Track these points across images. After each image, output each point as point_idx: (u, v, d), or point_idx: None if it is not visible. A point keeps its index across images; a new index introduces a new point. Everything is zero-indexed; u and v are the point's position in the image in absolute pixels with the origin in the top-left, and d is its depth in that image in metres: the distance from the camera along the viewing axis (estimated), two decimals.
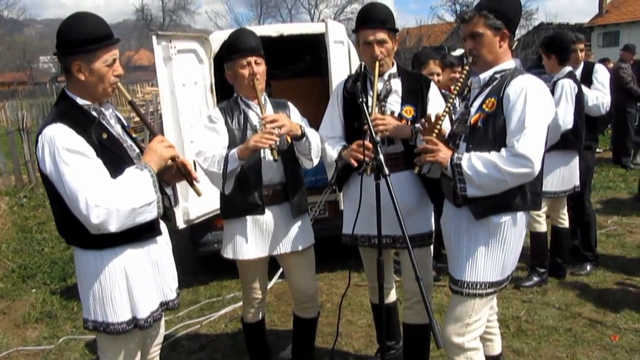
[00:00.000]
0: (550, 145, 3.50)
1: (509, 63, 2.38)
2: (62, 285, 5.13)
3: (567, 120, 4.00)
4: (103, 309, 2.12)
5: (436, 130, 2.40)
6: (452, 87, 2.47)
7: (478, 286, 2.35)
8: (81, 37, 2.02)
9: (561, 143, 4.04)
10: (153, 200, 2.06)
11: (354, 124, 2.85)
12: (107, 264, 2.10)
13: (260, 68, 2.81)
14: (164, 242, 2.32)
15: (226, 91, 3.46)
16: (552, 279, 4.48)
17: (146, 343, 2.40)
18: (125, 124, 2.33)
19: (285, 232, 2.94)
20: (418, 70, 4.11)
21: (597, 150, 7.81)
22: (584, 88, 4.28)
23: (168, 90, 3.95)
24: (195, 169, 2.33)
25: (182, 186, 2.48)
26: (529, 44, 23.51)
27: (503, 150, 2.22)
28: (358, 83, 2.71)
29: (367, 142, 2.47)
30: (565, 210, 4.46)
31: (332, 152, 2.86)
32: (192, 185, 2.27)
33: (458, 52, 5.10)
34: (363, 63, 2.88)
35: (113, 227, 1.97)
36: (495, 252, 2.35)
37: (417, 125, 2.69)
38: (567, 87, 4.04)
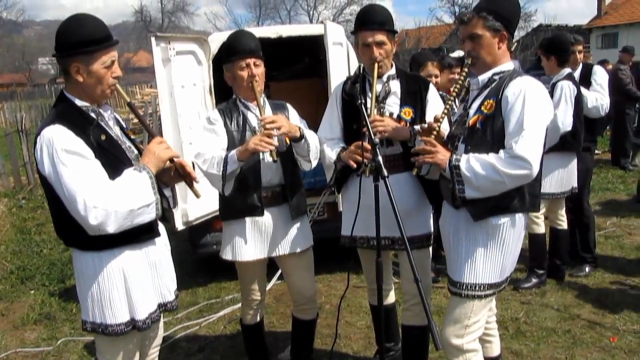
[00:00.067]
0: (549, 147, 3.51)
1: (508, 64, 2.38)
2: (61, 286, 5.12)
3: (566, 122, 4.01)
4: (101, 310, 2.12)
5: (435, 132, 2.41)
6: (452, 89, 2.47)
7: (477, 288, 2.35)
8: (80, 39, 2.02)
9: (560, 145, 4.04)
10: (151, 202, 2.06)
11: (353, 126, 2.85)
12: (105, 265, 2.10)
13: (259, 70, 2.81)
14: (162, 244, 2.32)
15: (225, 93, 3.46)
16: (551, 281, 4.48)
17: (145, 344, 2.40)
18: (124, 125, 2.33)
19: (284, 234, 2.94)
20: (416, 72, 4.12)
21: (596, 151, 7.83)
22: (583, 90, 4.28)
23: (167, 91, 3.95)
24: (194, 170, 2.33)
25: (181, 187, 2.48)
26: (527, 45, 23.55)
27: (501, 151, 2.22)
28: (357, 85, 2.71)
29: (365, 144, 2.46)
30: (563, 212, 4.46)
31: (331, 154, 2.87)
32: (190, 186, 2.27)
33: (457, 53, 5.10)
34: (362, 65, 2.89)
35: (111, 228, 1.97)
36: (494, 254, 2.35)
37: (417, 127, 2.70)
38: (567, 89, 4.05)
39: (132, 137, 2.36)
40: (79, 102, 2.11)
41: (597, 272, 4.62)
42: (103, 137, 2.11)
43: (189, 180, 2.25)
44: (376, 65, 2.71)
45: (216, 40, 4.42)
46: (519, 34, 26.27)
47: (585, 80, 4.55)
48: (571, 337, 3.60)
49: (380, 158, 2.24)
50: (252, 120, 2.87)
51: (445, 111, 2.44)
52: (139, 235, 2.14)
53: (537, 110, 2.22)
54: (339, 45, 4.58)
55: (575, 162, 4.26)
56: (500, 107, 2.27)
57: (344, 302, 3.82)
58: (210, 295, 4.73)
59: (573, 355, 3.40)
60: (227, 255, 2.95)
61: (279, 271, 4.46)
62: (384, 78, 2.82)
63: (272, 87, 5.83)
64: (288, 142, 2.83)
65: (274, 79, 5.89)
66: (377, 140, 2.34)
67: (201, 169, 2.72)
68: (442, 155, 2.32)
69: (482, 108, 2.32)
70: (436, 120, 2.42)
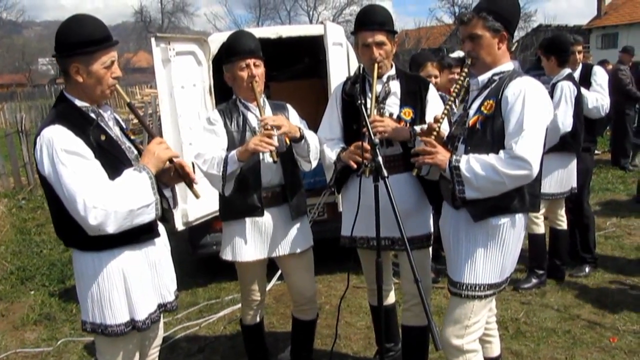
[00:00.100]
0: (549, 147, 3.51)
1: (508, 65, 2.38)
2: (61, 287, 5.12)
3: (566, 123, 4.01)
4: (101, 310, 2.12)
5: (435, 132, 2.41)
6: (451, 89, 2.47)
7: (477, 288, 2.35)
8: (79, 39, 2.02)
9: (560, 145, 4.04)
10: (151, 202, 2.07)
11: (353, 126, 2.85)
12: (105, 265, 2.10)
13: (259, 70, 2.81)
14: (162, 244, 2.32)
15: (225, 93, 3.46)
16: (551, 281, 4.48)
17: (144, 345, 2.40)
18: (124, 125, 2.34)
19: (284, 234, 2.94)
20: (416, 72, 4.12)
21: (596, 152, 7.82)
22: (583, 90, 4.29)
23: (167, 92, 3.95)
24: (194, 171, 2.33)
25: (181, 188, 2.48)
26: (527, 45, 23.56)
27: (501, 152, 2.22)
28: (357, 85, 2.71)
29: (365, 144, 2.46)
30: (563, 212, 4.47)
31: (331, 154, 2.87)
32: (190, 187, 2.27)
33: (457, 54, 5.10)
34: (362, 65, 2.89)
35: (111, 228, 1.97)
36: (494, 254, 2.35)
37: (416, 127, 2.70)
38: (567, 89, 4.05)
39: (132, 137, 2.36)
40: (78, 103, 2.11)
41: (597, 273, 4.62)
42: (103, 138, 2.11)
43: (189, 181, 2.25)
44: (376, 65, 2.72)
45: (216, 41, 4.42)
46: (518, 34, 26.29)
47: (585, 80, 4.55)
48: (571, 338, 3.60)
49: (380, 158, 2.24)
50: (252, 120, 2.87)
51: (445, 112, 2.45)
52: (139, 235, 2.14)
53: (537, 110, 2.22)
54: (339, 46, 4.58)
55: (575, 162, 4.26)
56: (500, 107, 2.27)
57: (344, 302, 3.82)
58: (210, 295, 4.73)
59: (573, 355, 3.40)
60: (227, 255, 2.95)
61: (279, 271, 4.46)
62: (384, 78, 2.82)
63: (272, 88, 5.83)
64: (288, 142, 2.83)
65: (274, 79, 5.90)
66: (377, 140, 2.34)
67: (201, 169, 2.72)
68: (442, 155, 2.32)
69: (482, 108, 2.32)
70: (436, 120, 2.42)
